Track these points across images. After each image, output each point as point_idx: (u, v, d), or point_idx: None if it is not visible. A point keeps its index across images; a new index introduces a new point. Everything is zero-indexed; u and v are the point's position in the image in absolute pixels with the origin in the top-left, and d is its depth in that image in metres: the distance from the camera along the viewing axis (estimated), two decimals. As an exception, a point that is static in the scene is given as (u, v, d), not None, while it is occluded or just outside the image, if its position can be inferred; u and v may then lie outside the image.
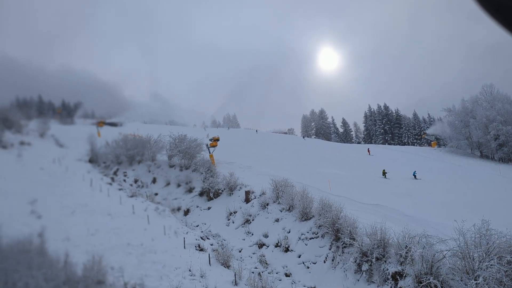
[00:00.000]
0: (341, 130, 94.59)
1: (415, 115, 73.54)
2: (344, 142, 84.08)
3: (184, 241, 12.18)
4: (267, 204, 17.92)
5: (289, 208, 17.04)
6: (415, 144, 68.86)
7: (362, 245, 12.92)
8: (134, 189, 20.16)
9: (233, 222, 18.25)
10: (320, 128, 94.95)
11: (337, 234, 14.38)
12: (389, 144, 71.15)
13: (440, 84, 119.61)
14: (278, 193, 17.99)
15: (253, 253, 15.42)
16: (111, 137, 38.23)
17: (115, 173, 26.31)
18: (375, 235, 12.75)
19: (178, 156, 25.93)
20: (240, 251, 15.41)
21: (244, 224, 17.65)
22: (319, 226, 15.32)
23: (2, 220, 10.65)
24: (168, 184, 24.69)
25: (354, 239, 13.73)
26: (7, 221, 10.72)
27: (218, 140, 27.70)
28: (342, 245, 13.89)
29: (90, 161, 28.59)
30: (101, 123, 49.17)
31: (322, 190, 19.08)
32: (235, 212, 18.83)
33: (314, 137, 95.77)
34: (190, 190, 23.01)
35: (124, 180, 25.25)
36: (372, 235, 13.02)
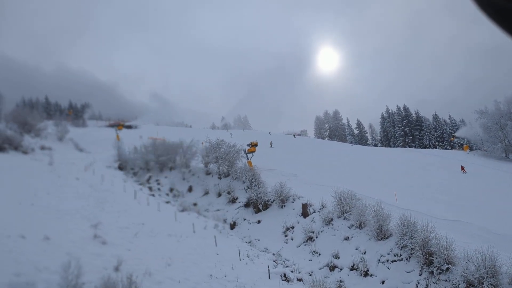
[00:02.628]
0: (355, 131, 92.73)
1: (435, 117, 71.49)
2: (360, 144, 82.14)
3: (269, 270, 10.48)
4: (331, 220, 16.21)
5: (360, 225, 15.32)
6: (438, 147, 66.83)
7: (466, 273, 11.22)
8: (185, 203, 18.52)
9: (292, 239, 16.54)
10: (334, 129, 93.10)
11: (429, 257, 12.71)
12: (409, 147, 69.13)
13: (440, 86, 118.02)
14: (343, 207, 16.28)
15: (326, 277, 13.68)
16: (130, 140, 36.77)
17: (147, 181, 24.72)
18: (482, 261, 11.05)
19: (216, 163, 24.26)
20: (310, 275, 13.70)
21: (306, 241, 15.94)
22: (402, 247, 13.65)
23: (67, 249, 9.05)
24: (206, 193, 23.05)
25: (451, 264, 12.06)
26: (72, 249, 9.11)
27: (256, 145, 26.06)
28: (437, 271, 12.19)
29: (120, 168, 27.01)
30: (120, 126, 47.85)
31: (386, 202, 17.31)
32: (292, 227, 17.14)
33: (328, 139, 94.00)
34: (233, 201, 21.34)
35: (159, 189, 23.65)
36: (473, 259, 11.36)
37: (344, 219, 16.03)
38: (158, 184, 24.52)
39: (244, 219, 19.59)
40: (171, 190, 23.74)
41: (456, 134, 55.56)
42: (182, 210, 16.62)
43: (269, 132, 60.05)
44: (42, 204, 12.21)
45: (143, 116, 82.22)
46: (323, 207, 17.29)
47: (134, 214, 14.14)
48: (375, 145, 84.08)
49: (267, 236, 17.36)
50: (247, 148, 25.70)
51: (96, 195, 15.37)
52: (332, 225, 16.02)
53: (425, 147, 67.83)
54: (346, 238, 15.16)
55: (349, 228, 15.53)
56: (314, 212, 17.29)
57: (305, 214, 17.49)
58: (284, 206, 18.89)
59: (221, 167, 24.04)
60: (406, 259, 13.36)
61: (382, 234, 14.40)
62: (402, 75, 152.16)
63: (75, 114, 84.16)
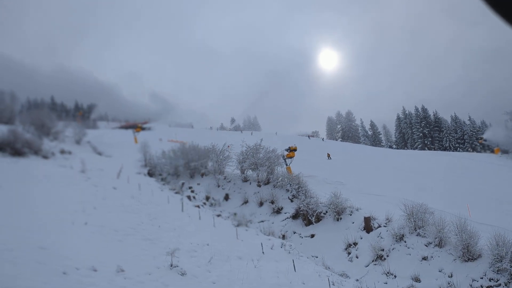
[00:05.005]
0: (369, 133, 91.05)
1: (455, 118, 69.68)
2: (373, 146, 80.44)
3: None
4: (403, 236, 14.60)
5: (439, 243, 13.70)
6: (458, 149, 65.04)
7: None
8: (240, 217, 16.98)
9: (357, 257, 14.93)
10: (347, 130, 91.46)
11: (537, 285, 11.12)
12: (428, 149, 67.42)
13: (440, 86, 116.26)
14: (415, 221, 14.67)
15: (409, 304, 12.15)
16: (147, 143, 35.04)
17: (181, 189, 23.18)
18: None
19: (255, 169, 22.69)
20: (391, 301, 12.13)
21: (375, 260, 14.33)
22: (498, 271, 12.07)
23: (150, 285, 7.50)
24: (245, 202, 21.49)
25: None
26: (155, 286, 7.56)
27: (295, 150, 24.49)
28: (551, 301, 10.62)
29: (149, 174, 25.54)
30: (138, 128, 46.40)
31: (457, 215, 15.66)
32: (355, 244, 15.53)
33: (340, 140, 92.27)
34: (278, 211, 19.77)
35: (194, 197, 22.13)
36: None
37: (417, 235, 14.41)
38: (192, 191, 23.00)
39: (294, 233, 18.01)
40: (207, 198, 22.21)
41: (484, 136, 53.81)
42: (238, 225, 15.10)
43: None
44: (96, 223, 10.69)
45: (152, 117, 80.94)
46: (388, 220, 15.72)
47: (191, 231, 12.62)
48: (390, 147, 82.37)
49: (326, 253, 15.73)
50: (285, 153, 24.14)
51: (145, 209, 13.87)
52: (405, 242, 14.40)
53: (445, 149, 66.10)
54: (425, 258, 13.53)
55: (426, 246, 13.91)
56: (379, 226, 15.69)
57: (368, 228, 15.88)
58: (340, 219, 17.29)
59: (260, 174, 22.47)
60: (505, 285, 11.76)
61: (469, 255, 12.80)
62: (402, 76, 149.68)
63: (82, 115, 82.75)
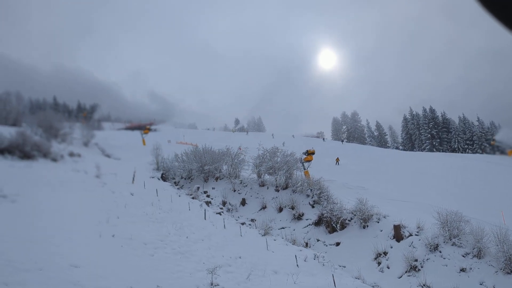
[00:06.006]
0: (375, 133, 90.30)
1: (463, 119, 68.84)
2: (380, 147, 79.68)
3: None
4: (437, 246, 13.91)
5: (478, 254, 13.03)
6: (467, 150, 64.24)
7: None
8: (263, 225, 16.31)
9: (389, 268, 14.25)
10: (353, 131, 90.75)
11: None
12: (437, 150, 66.63)
13: (440, 87, 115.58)
14: (450, 230, 14.00)
15: (449, 320, 11.50)
16: (159, 145, 34.46)
17: (196, 193, 22.54)
18: None
19: (273, 174, 22.03)
20: (431, 316, 11.47)
21: (409, 271, 13.64)
22: (547, 285, 11.42)
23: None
24: (263, 207, 20.85)
25: None
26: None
27: (313, 153, 23.80)
28: None
29: (163, 178, 24.92)
30: (146, 130, 45.76)
31: (488, 222, 15.00)
32: (385, 253, 14.84)
33: (346, 141, 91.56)
34: (299, 217, 19.13)
35: (210, 202, 21.49)
36: None
37: (453, 245, 13.74)
38: (208, 196, 22.37)
39: (318, 240, 17.35)
40: (224, 203, 21.58)
41: (496, 137, 53.09)
42: (264, 234, 14.44)
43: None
44: (123, 235, 10.07)
45: (156, 118, 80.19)
46: (420, 229, 15.04)
47: (219, 242, 11.98)
48: (397, 148, 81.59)
49: (354, 263, 15.03)
50: (303, 156, 23.48)
51: (168, 218, 13.23)
52: (440, 252, 13.71)
53: (454, 151, 65.32)
54: (463, 270, 12.85)
55: (464, 256, 13.22)
56: (411, 235, 15.01)
57: (398, 237, 15.20)
58: (367, 226, 16.61)
59: (278, 179, 21.81)
60: (554, 300, 11.15)
61: (511, 267, 12.16)
62: (403, 76, 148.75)
63: (86, 115, 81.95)
